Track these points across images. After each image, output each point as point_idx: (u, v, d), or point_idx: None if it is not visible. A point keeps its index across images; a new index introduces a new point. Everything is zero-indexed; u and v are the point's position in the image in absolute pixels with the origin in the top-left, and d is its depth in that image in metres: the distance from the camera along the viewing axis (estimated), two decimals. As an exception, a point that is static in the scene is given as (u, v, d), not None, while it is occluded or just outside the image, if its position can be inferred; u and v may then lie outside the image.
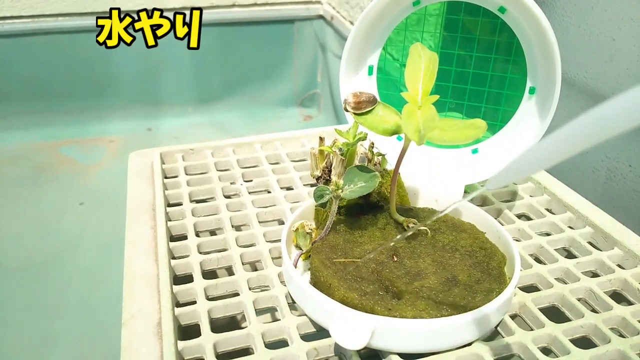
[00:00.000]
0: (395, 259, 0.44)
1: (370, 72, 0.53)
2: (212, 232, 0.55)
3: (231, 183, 0.61)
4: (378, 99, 0.41)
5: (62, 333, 0.94)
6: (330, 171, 0.49)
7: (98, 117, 1.65)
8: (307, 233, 0.44)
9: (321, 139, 0.48)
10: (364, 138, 0.46)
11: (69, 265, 1.11)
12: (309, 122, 1.72)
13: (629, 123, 0.21)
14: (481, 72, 0.51)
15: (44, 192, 1.36)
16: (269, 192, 0.61)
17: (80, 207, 1.30)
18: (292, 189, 0.61)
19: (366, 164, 0.47)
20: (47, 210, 1.29)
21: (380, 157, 0.48)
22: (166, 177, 0.63)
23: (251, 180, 0.62)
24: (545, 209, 0.57)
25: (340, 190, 0.43)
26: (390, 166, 0.50)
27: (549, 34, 0.44)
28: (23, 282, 1.07)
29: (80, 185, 1.39)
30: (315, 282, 0.43)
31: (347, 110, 0.40)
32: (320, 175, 0.49)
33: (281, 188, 0.61)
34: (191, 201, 0.59)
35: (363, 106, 0.40)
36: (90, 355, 0.90)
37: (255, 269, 0.49)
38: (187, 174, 0.64)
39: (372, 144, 0.49)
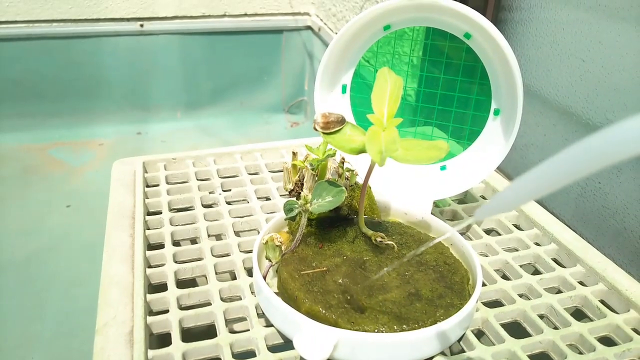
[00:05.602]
0: (362, 272, 0.45)
1: (343, 91, 0.54)
2: (193, 240, 0.57)
3: (210, 192, 0.63)
4: (346, 119, 0.42)
5: (41, 334, 0.95)
6: (302, 185, 0.50)
7: (88, 120, 1.66)
8: (277, 246, 0.46)
9: (294, 153, 0.50)
10: (333, 154, 0.47)
11: (52, 266, 1.11)
12: (296, 128, 1.73)
13: (616, 155, 0.21)
14: (449, 93, 0.53)
15: (32, 193, 1.37)
16: (247, 202, 0.62)
17: (67, 208, 1.31)
18: (269, 199, 0.63)
19: (336, 179, 0.48)
20: (34, 212, 1.29)
21: (349, 173, 0.50)
22: (148, 186, 0.65)
23: (230, 190, 0.63)
24: (513, 224, 0.59)
25: (308, 205, 0.44)
26: (361, 180, 0.51)
27: (511, 61, 0.46)
28: (4, 282, 1.07)
29: (69, 187, 1.40)
30: (283, 294, 0.44)
31: (316, 130, 0.42)
32: (292, 188, 0.50)
33: (258, 198, 0.62)
34: (170, 210, 0.60)
35: (331, 126, 0.42)
36: (69, 358, 0.91)
37: (235, 278, 0.50)
38: (167, 183, 0.65)
39: (343, 159, 0.50)
